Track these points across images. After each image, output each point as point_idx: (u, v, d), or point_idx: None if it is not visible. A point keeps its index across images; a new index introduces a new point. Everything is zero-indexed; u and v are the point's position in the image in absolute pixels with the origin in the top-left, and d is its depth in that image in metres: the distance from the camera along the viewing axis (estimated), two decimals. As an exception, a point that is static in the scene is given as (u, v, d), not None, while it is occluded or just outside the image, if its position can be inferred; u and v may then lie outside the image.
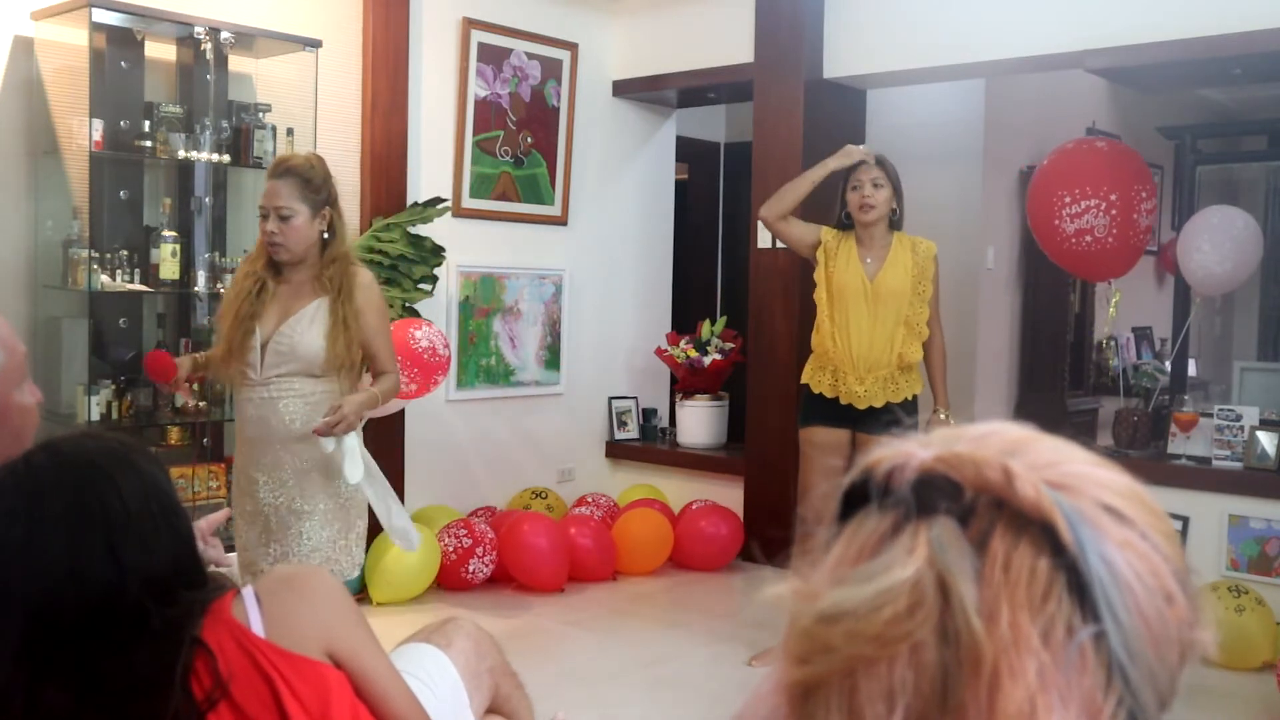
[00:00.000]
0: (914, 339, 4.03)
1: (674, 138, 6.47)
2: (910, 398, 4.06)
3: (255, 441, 3.14)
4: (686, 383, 5.83)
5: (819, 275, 4.09)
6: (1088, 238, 4.76)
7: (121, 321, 4.26)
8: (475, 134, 5.39)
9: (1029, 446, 0.58)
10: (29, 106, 4.13)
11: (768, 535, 5.02)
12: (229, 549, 2.55)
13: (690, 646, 4.24)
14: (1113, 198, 4.73)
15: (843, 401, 4.04)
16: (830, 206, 4.16)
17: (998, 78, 5.85)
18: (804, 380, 4.16)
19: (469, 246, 5.38)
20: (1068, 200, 4.77)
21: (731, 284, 6.98)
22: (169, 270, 4.21)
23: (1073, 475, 0.57)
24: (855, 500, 0.59)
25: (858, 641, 0.53)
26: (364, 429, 4.92)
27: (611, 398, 6.10)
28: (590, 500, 5.60)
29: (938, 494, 0.55)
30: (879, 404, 3.98)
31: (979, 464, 0.56)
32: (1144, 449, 4.80)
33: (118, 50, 4.15)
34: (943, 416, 4.05)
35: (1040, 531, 0.54)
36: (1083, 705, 0.52)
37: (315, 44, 4.47)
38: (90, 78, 3.96)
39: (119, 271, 4.11)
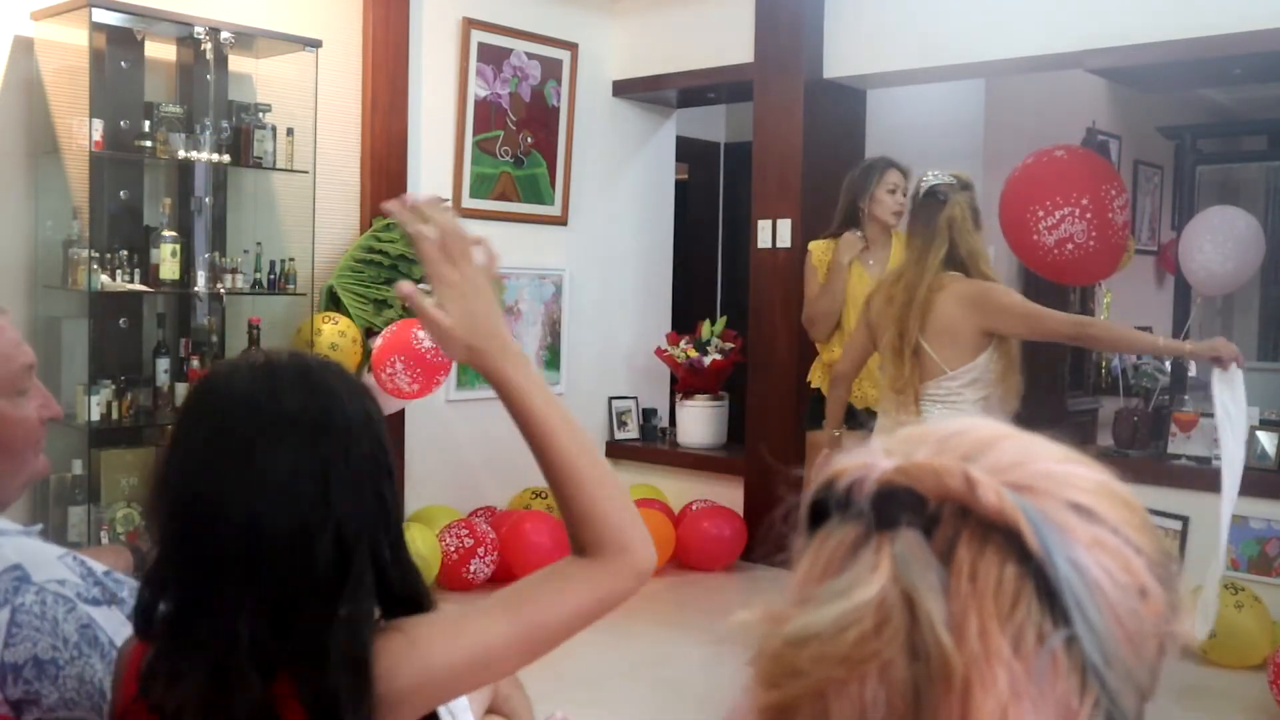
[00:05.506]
0: None
1: (674, 138, 6.47)
2: None
3: None
4: (686, 383, 5.83)
5: None
6: (1069, 245, 4.71)
7: (121, 321, 4.25)
8: (475, 134, 5.39)
9: (993, 447, 0.57)
10: (29, 106, 4.13)
11: (767, 536, 5.02)
12: None
13: (691, 647, 4.24)
14: (1084, 201, 4.66)
15: (857, 406, 4.04)
16: (827, 216, 4.14)
17: (998, 78, 5.84)
18: (815, 384, 4.15)
19: (469, 246, 5.36)
20: (1041, 214, 4.70)
21: (731, 284, 6.97)
22: (169, 270, 4.20)
23: (1038, 475, 0.56)
24: (821, 512, 0.58)
25: (826, 664, 0.52)
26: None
27: (611, 398, 6.10)
28: (590, 500, 5.59)
29: (899, 507, 0.54)
30: None
31: (939, 473, 0.54)
32: (1144, 449, 4.80)
33: (118, 50, 4.15)
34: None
35: (1005, 538, 0.53)
36: (1057, 711, 0.51)
37: (315, 44, 4.47)
38: (90, 78, 3.96)
39: (119, 271, 4.10)
